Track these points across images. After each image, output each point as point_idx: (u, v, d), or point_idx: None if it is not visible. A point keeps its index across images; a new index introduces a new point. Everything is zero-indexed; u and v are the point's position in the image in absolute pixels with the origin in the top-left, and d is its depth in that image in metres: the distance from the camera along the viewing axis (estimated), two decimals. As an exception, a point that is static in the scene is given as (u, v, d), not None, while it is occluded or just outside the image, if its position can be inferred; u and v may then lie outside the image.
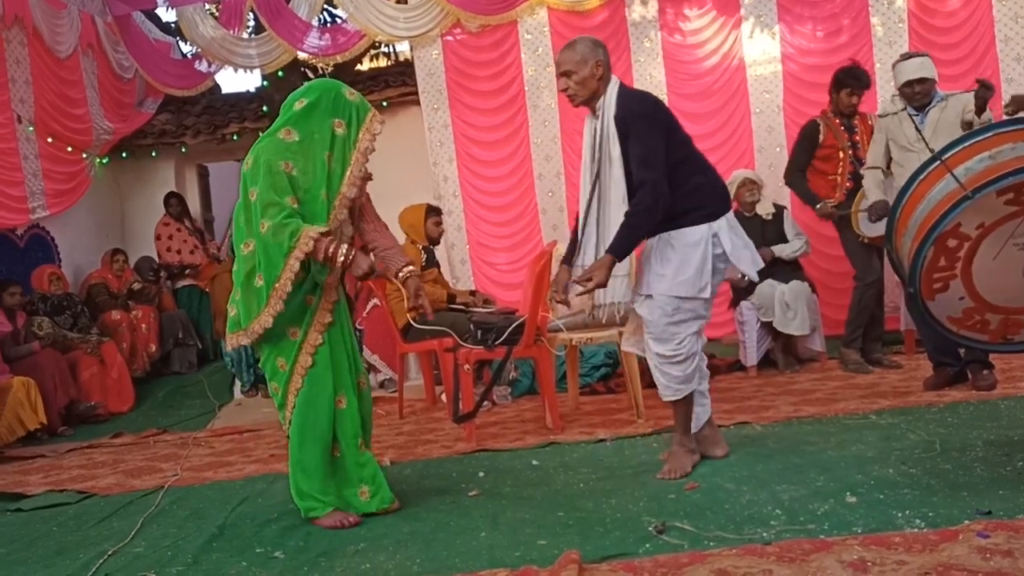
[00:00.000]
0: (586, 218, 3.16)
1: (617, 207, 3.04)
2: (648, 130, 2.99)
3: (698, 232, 3.04)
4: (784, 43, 6.14)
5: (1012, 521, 2.27)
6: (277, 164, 2.80)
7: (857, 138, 4.86)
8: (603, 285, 2.96)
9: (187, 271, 7.32)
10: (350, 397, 2.95)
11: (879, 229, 4.21)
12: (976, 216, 2.55)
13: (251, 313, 2.85)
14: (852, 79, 4.84)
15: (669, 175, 2.99)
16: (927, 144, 3.96)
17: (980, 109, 3.79)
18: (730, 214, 3.14)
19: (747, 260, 3.14)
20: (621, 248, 2.97)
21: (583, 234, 3.17)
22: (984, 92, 3.74)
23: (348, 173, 2.87)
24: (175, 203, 7.49)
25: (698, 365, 3.14)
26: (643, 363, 4.80)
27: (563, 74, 3.11)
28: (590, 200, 3.14)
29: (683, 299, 3.04)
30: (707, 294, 3.06)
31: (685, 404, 3.15)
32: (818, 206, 4.84)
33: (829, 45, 6.07)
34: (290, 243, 2.73)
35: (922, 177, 2.72)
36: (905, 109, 4.17)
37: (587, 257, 3.12)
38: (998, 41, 5.81)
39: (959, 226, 2.57)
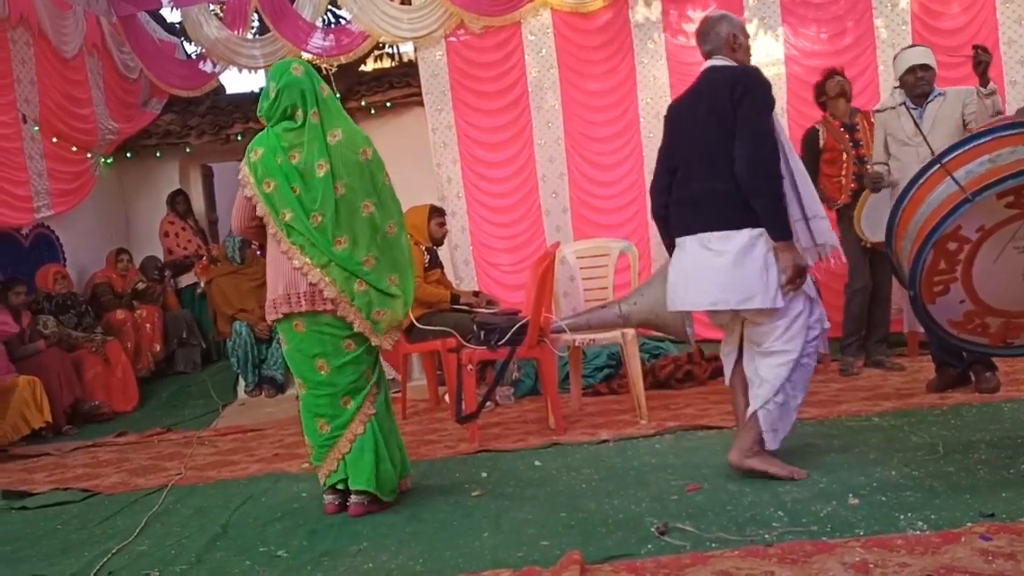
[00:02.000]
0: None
1: None
2: None
3: None
4: (788, 45, 6.14)
5: (1015, 524, 2.27)
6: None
7: (859, 136, 4.88)
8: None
9: (192, 261, 7.31)
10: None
11: (881, 234, 4.22)
12: (976, 219, 2.56)
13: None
14: (819, 95, 4.99)
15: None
16: (925, 138, 3.96)
17: (983, 75, 3.76)
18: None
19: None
20: None
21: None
22: (982, 56, 3.72)
23: None
24: (181, 200, 7.50)
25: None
26: (645, 365, 4.83)
27: None
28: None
29: None
30: None
31: None
32: (870, 169, 4.52)
33: (833, 47, 6.06)
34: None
35: (922, 181, 2.73)
36: (904, 103, 4.16)
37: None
38: (1002, 44, 5.80)
39: (959, 229, 2.57)
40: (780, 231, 2.80)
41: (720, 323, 3.15)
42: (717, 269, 2.86)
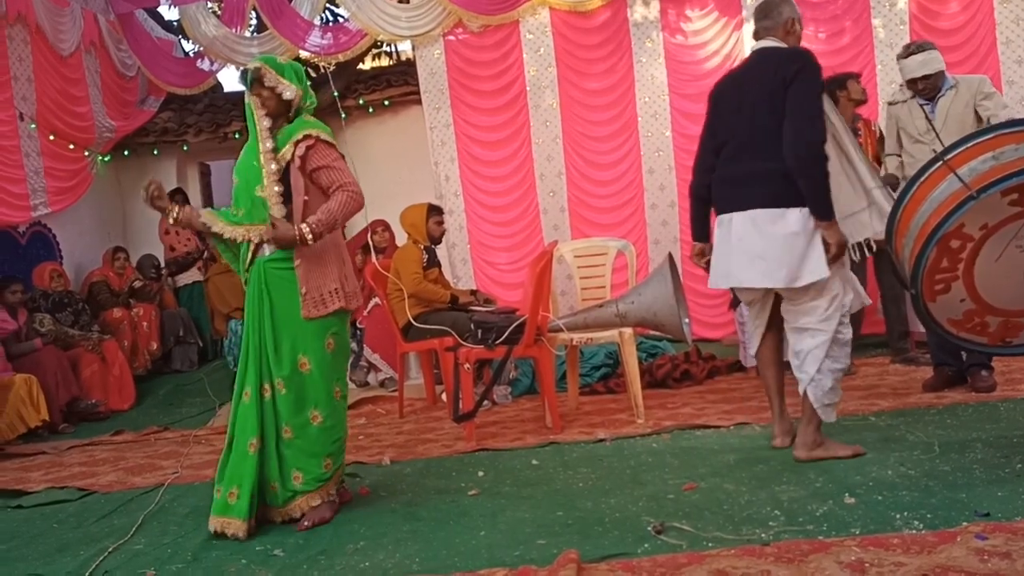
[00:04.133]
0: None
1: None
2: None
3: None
4: (786, 44, 6.13)
5: (1010, 523, 2.27)
6: None
7: (860, 141, 4.87)
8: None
9: (194, 259, 7.30)
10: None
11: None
12: (980, 217, 2.55)
13: None
14: (836, 88, 4.80)
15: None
16: (937, 135, 3.92)
17: None
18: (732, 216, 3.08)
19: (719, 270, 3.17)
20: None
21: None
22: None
23: None
24: (180, 200, 7.49)
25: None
26: (643, 364, 4.83)
27: None
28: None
29: None
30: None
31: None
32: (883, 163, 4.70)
33: (831, 47, 6.06)
34: None
35: (923, 179, 2.72)
36: (915, 97, 4.11)
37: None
38: (999, 44, 5.81)
39: (962, 226, 2.57)
40: (823, 211, 2.88)
41: (750, 300, 3.23)
42: (766, 247, 2.94)
